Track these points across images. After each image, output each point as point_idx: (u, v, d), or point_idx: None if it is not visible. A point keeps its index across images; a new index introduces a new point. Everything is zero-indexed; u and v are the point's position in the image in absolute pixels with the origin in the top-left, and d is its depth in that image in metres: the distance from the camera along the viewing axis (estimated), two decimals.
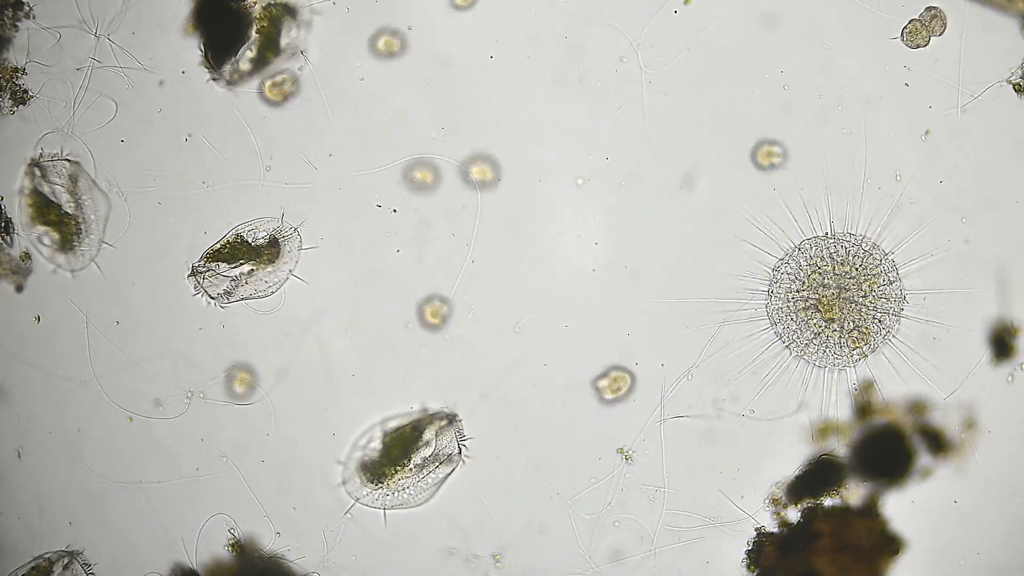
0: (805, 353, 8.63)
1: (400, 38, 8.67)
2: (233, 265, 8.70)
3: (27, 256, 8.85)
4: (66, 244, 8.82)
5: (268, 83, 8.51)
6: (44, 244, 8.84)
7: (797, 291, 8.61)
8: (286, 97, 8.60)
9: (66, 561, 8.89)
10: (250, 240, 8.72)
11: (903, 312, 8.55)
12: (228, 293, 8.72)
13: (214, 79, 8.64)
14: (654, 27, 8.54)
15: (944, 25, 8.22)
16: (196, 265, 8.72)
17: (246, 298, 8.78)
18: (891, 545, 8.52)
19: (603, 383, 8.79)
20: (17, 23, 8.61)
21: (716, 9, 8.52)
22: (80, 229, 8.81)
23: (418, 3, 8.67)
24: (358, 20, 8.67)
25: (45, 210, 8.79)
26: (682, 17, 8.54)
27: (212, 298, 8.75)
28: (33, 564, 8.88)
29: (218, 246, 8.72)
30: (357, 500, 8.82)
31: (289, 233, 8.74)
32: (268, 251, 8.72)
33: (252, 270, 8.73)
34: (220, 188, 8.75)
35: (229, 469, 8.88)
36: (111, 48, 8.62)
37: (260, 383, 8.84)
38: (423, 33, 8.68)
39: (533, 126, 8.70)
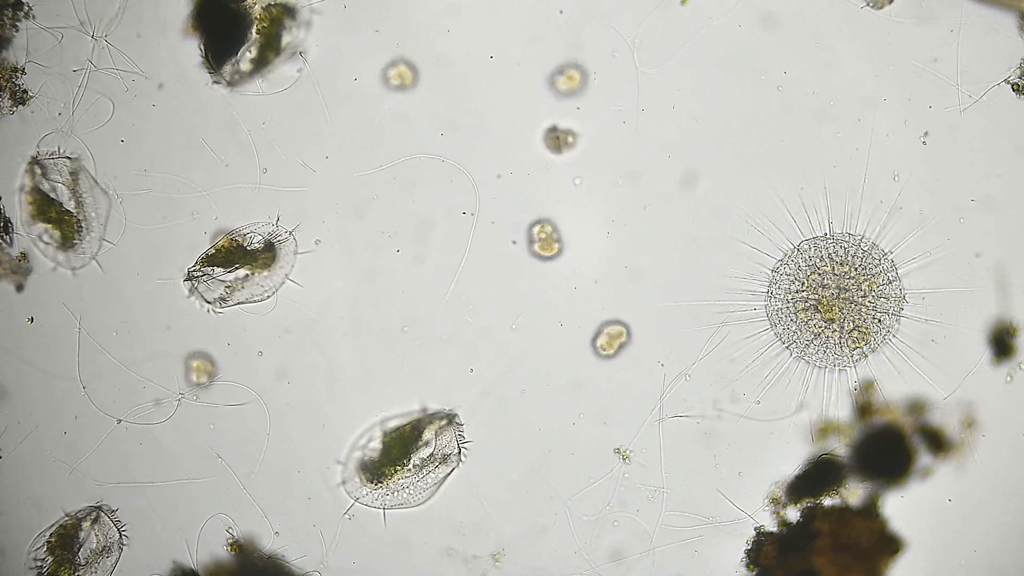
0: (805, 354, 8.62)
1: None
2: (229, 269, 8.67)
3: (24, 256, 8.84)
4: (67, 242, 8.82)
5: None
6: (45, 242, 8.84)
7: (797, 292, 8.60)
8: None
9: (94, 516, 8.86)
10: (246, 244, 8.69)
11: (903, 312, 8.54)
12: (224, 299, 8.70)
13: (215, 80, 8.64)
14: (650, 26, 8.54)
15: None
16: (191, 269, 8.69)
17: (242, 303, 8.76)
18: (891, 545, 8.51)
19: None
20: (17, 23, 8.62)
21: (713, 9, 8.52)
22: (81, 227, 8.81)
23: (418, 2, 8.69)
24: (357, 17, 8.68)
25: (45, 207, 8.79)
26: (680, 17, 8.54)
27: (208, 303, 8.73)
28: (60, 523, 8.84)
29: (213, 250, 8.69)
30: (357, 500, 8.82)
31: (284, 237, 8.70)
32: (264, 255, 8.69)
33: (248, 274, 8.70)
34: (217, 191, 8.73)
35: (228, 469, 8.88)
36: (109, 50, 8.62)
37: (218, 371, 8.82)
38: (424, 33, 8.70)
39: (532, 125, 8.71)
